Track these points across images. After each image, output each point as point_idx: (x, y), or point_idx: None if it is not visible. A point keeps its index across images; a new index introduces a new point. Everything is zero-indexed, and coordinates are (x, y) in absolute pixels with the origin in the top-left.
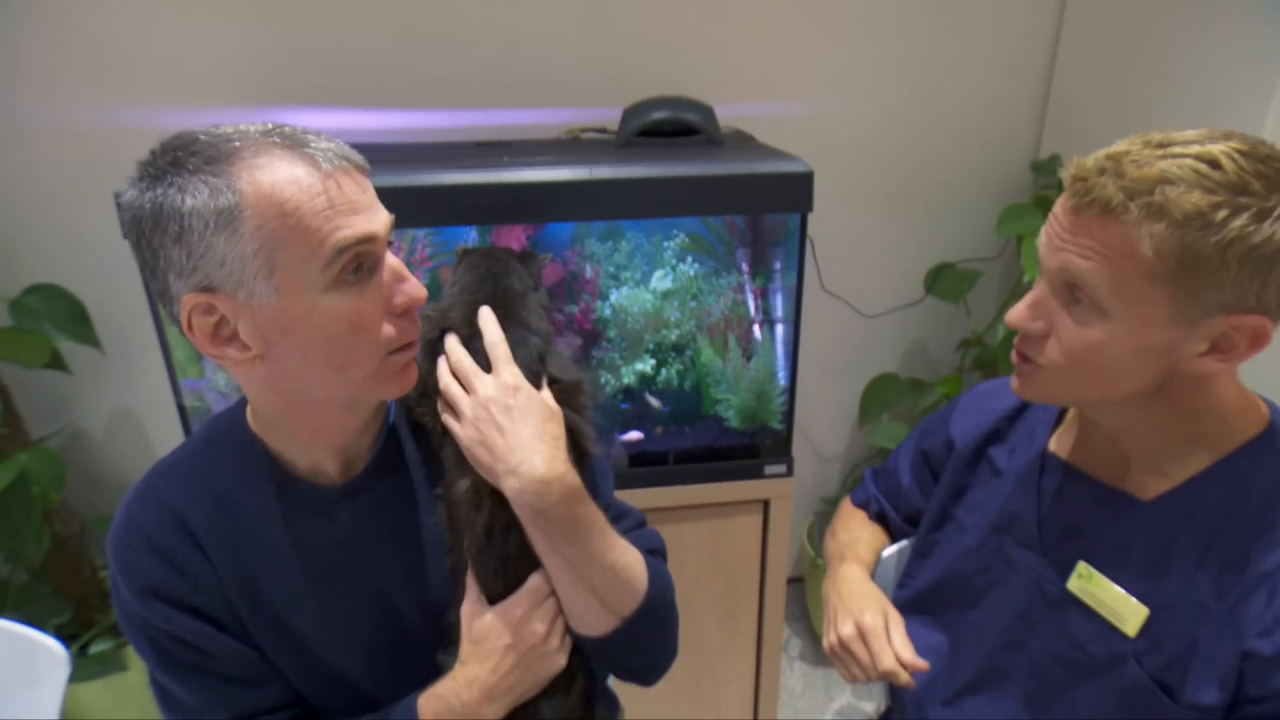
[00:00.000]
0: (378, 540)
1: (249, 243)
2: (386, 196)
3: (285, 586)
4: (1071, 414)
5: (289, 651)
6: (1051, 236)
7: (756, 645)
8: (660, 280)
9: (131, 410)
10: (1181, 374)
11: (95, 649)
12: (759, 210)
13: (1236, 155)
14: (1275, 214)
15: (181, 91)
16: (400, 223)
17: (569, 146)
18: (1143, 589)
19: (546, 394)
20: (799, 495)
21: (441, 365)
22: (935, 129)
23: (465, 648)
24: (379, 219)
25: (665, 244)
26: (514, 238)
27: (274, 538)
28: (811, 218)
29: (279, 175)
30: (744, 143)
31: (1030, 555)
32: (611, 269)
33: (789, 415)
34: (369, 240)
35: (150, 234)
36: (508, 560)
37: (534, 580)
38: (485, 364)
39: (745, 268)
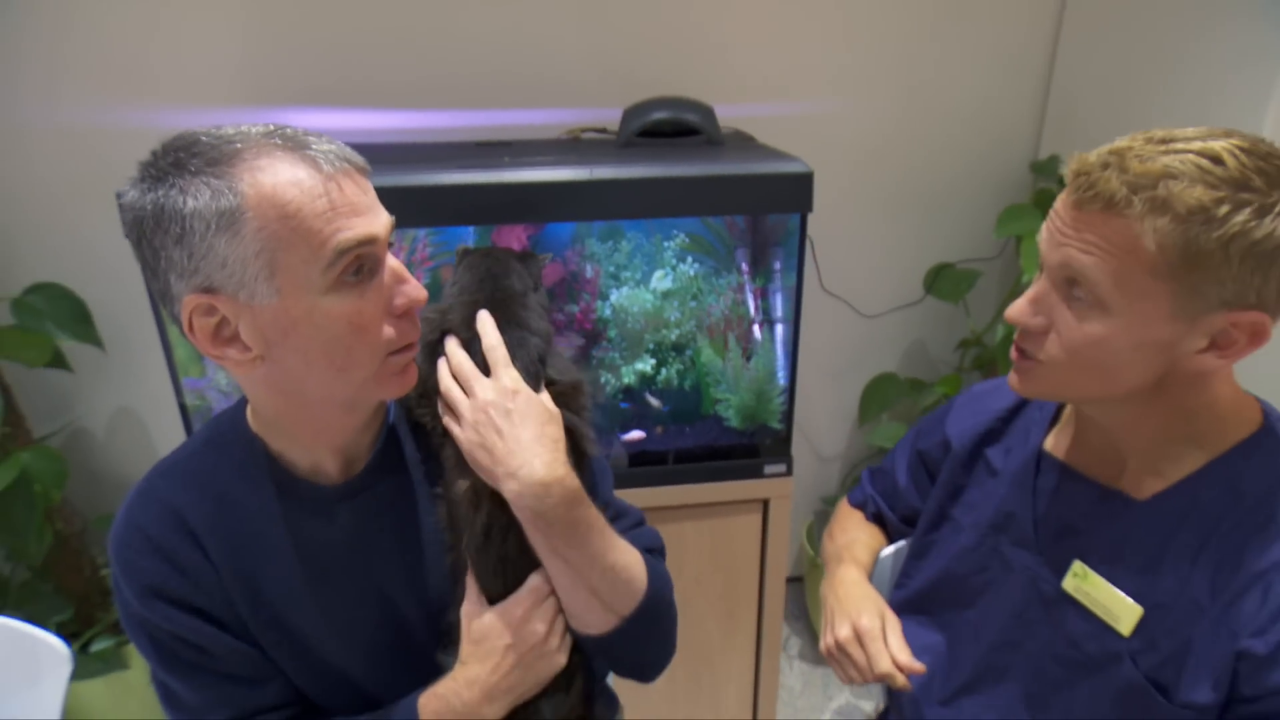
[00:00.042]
0: (378, 539)
1: (250, 244)
2: (387, 196)
3: (286, 586)
4: (1067, 413)
5: (290, 650)
6: (1053, 232)
7: (756, 644)
8: (660, 280)
9: (133, 409)
10: (1180, 371)
11: (96, 647)
12: (759, 210)
13: (1238, 152)
14: (1276, 210)
15: (182, 91)
16: (401, 223)
17: (569, 147)
18: (1138, 588)
19: (545, 396)
20: (798, 495)
21: (442, 368)
22: (935, 129)
23: (465, 648)
24: (380, 221)
25: (665, 244)
26: (514, 238)
27: (274, 537)
28: (811, 218)
29: (280, 177)
30: (744, 143)
31: (1026, 555)
32: (612, 269)
33: (789, 415)
34: (370, 242)
35: (152, 235)
36: (506, 560)
37: (534, 580)
38: (485, 367)
39: (745, 268)
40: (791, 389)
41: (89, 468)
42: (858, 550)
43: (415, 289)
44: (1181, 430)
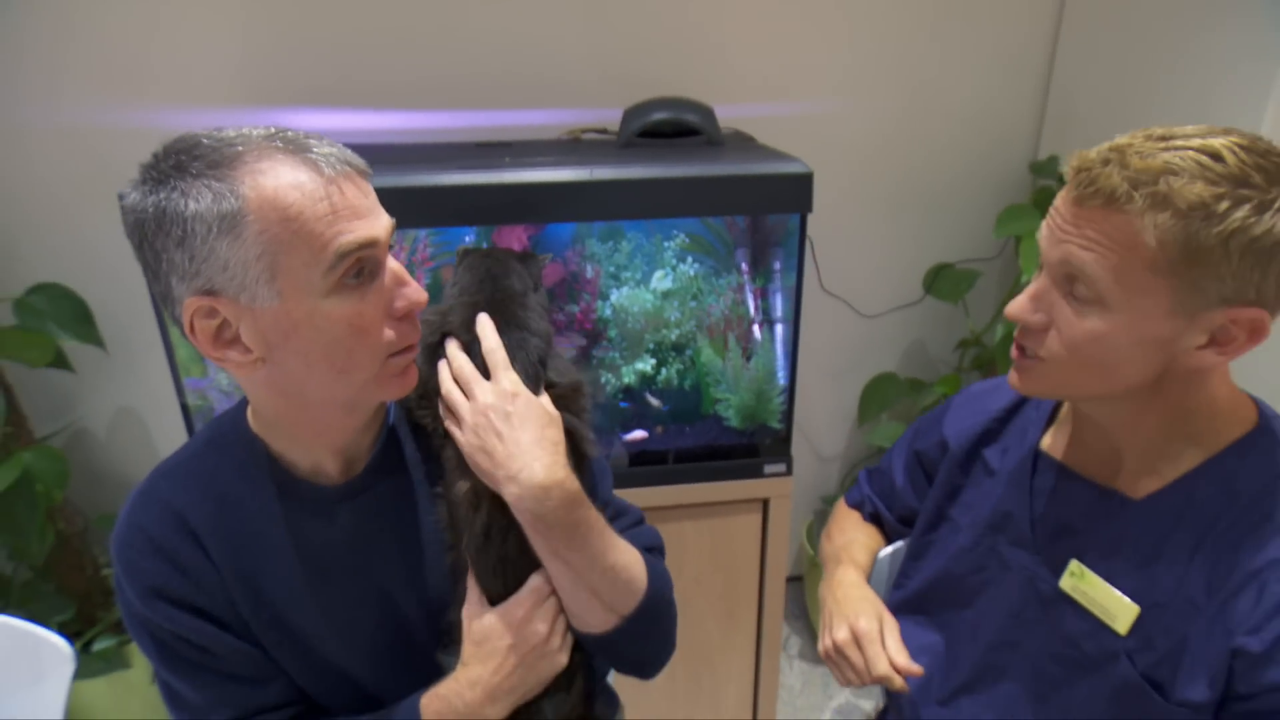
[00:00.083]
0: (378, 539)
1: (252, 247)
2: (387, 197)
3: (287, 586)
4: (1064, 412)
5: (291, 650)
6: (1053, 229)
7: (756, 643)
8: (660, 280)
9: (134, 409)
10: (1179, 367)
11: (98, 646)
12: (759, 211)
13: (1237, 149)
14: (1275, 206)
15: (183, 91)
16: (401, 223)
17: (570, 147)
18: (1134, 587)
19: (546, 399)
20: (798, 494)
21: (443, 371)
22: (934, 130)
23: (467, 649)
24: (380, 223)
25: (665, 244)
26: (515, 238)
27: (275, 537)
28: (811, 218)
29: (282, 180)
30: (744, 143)
31: (1024, 554)
32: (612, 269)
33: (788, 415)
34: (371, 245)
35: (153, 237)
36: (506, 560)
37: (535, 580)
38: (486, 370)
39: (745, 268)
40: (791, 389)
41: (91, 468)
42: (856, 551)
43: (415, 291)
44: (1179, 429)
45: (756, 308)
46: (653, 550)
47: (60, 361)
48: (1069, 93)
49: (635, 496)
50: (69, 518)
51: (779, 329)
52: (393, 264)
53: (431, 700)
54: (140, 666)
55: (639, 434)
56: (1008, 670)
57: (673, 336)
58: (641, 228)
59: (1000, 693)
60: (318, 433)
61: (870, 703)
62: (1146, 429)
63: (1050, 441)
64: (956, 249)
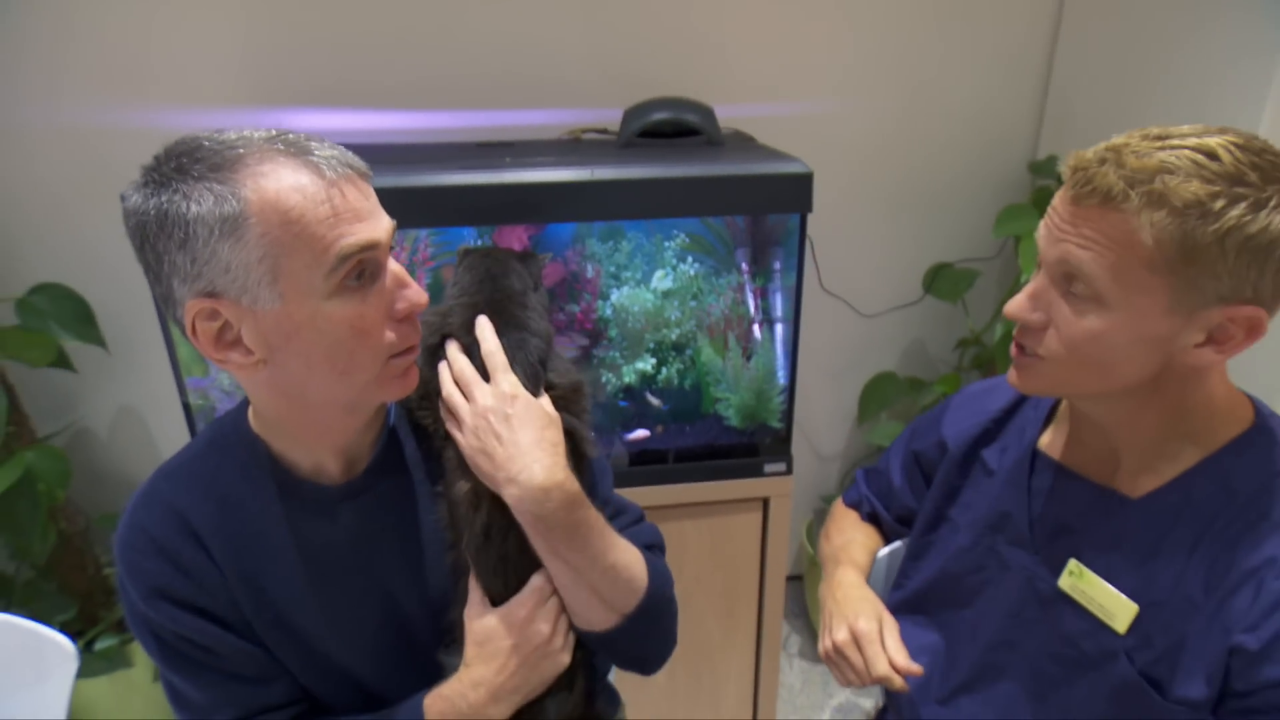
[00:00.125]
0: (380, 539)
1: (253, 250)
2: (388, 197)
3: (289, 585)
4: (1062, 411)
5: (294, 649)
6: (1051, 228)
7: (756, 642)
8: (661, 280)
9: (136, 408)
10: (1177, 366)
11: (100, 645)
12: (759, 211)
13: (1233, 148)
14: (1270, 204)
15: (184, 91)
16: (402, 223)
17: (570, 147)
18: (1133, 585)
19: (545, 400)
20: (798, 493)
21: (444, 373)
22: (933, 130)
23: (470, 650)
24: (381, 226)
25: (666, 244)
26: (515, 238)
27: (277, 538)
28: (811, 218)
29: (283, 183)
30: (744, 143)
31: (1022, 554)
32: (612, 269)
33: (788, 414)
34: (372, 247)
35: (155, 239)
36: (507, 559)
37: (536, 580)
38: (486, 372)
39: (745, 267)
40: (791, 388)
41: (92, 467)
42: (855, 551)
43: (416, 293)
44: (1176, 427)
45: (756, 307)
46: (653, 548)
47: (62, 361)
48: (1068, 92)
49: (636, 496)
50: (71, 517)
51: (779, 328)
52: (394, 266)
53: (435, 700)
54: (142, 665)
55: (642, 433)
56: (1007, 669)
57: (673, 336)
58: (642, 227)
59: (999, 692)
60: (319, 433)
61: (870, 701)
62: (1144, 428)
63: (1048, 441)
64: (956, 248)
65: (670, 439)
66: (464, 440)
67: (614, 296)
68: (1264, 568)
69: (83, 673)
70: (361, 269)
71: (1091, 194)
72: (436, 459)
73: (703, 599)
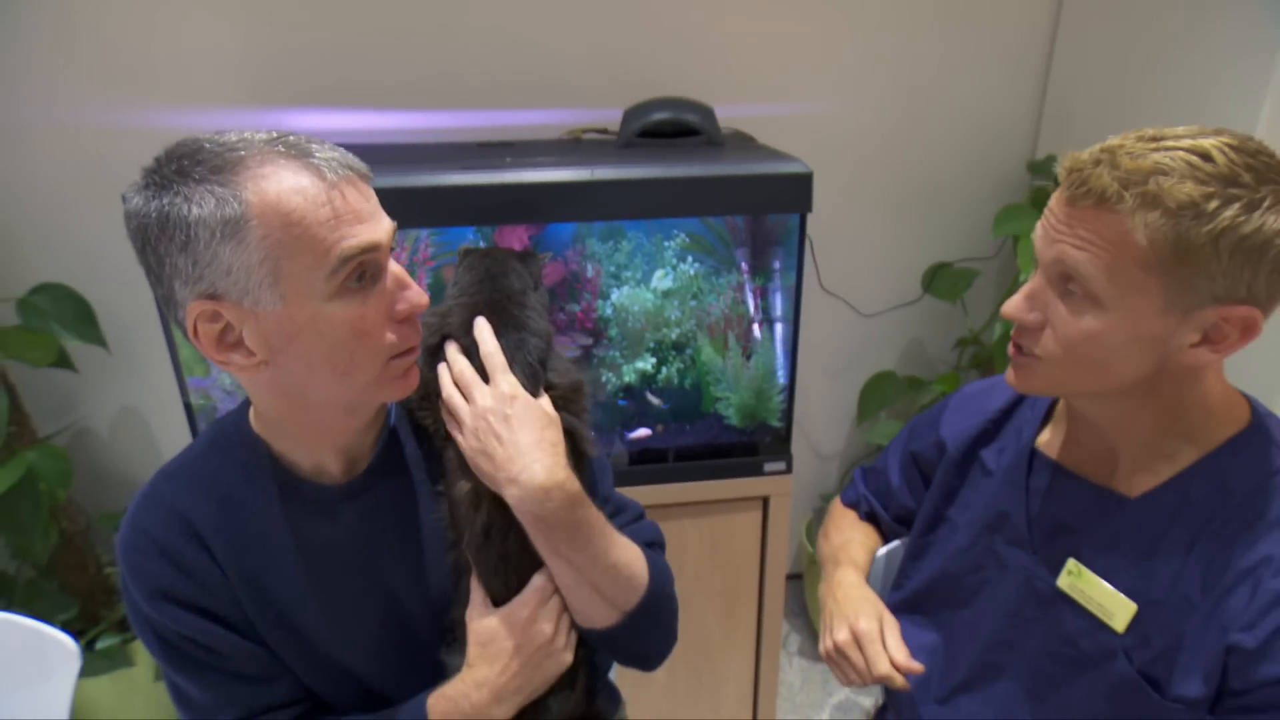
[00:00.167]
0: (381, 538)
1: (255, 252)
2: (388, 197)
3: (291, 585)
4: (1059, 411)
5: (296, 649)
6: (1047, 229)
7: (756, 641)
8: (661, 280)
9: (137, 408)
10: (1173, 365)
11: (102, 645)
12: (759, 211)
13: (1227, 149)
14: (1264, 205)
15: (184, 91)
16: (403, 223)
17: (570, 147)
18: (1131, 585)
19: (545, 400)
20: (798, 492)
21: (444, 375)
22: (933, 130)
23: (473, 650)
24: (382, 227)
25: (666, 244)
26: (516, 238)
27: (279, 538)
28: (811, 218)
29: (284, 185)
30: (744, 143)
31: (1021, 554)
32: (612, 268)
33: (788, 413)
34: (373, 249)
35: (156, 241)
36: (507, 558)
37: (538, 580)
38: (485, 372)
39: (745, 267)
40: (791, 387)
41: (93, 467)
42: (854, 550)
43: (417, 294)
44: (1173, 427)
45: (756, 307)
46: (653, 545)
47: (63, 361)
48: (1067, 92)
49: (636, 495)
50: (72, 517)
51: (779, 328)
52: (394, 267)
53: (438, 701)
54: (144, 665)
55: (643, 432)
56: (1006, 669)
57: (673, 335)
58: (642, 227)
59: (998, 691)
60: (320, 434)
61: (869, 699)
62: (1141, 427)
63: (1046, 440)
64: (955, 248)
65: (670, 438)
66: (464, 441)
67: (614, 296)
68: (1260, 566)
69: (84, 672)
70: (362, 271)
71: (1086, 195)
72: (437, 459)
73: (703, 598)
